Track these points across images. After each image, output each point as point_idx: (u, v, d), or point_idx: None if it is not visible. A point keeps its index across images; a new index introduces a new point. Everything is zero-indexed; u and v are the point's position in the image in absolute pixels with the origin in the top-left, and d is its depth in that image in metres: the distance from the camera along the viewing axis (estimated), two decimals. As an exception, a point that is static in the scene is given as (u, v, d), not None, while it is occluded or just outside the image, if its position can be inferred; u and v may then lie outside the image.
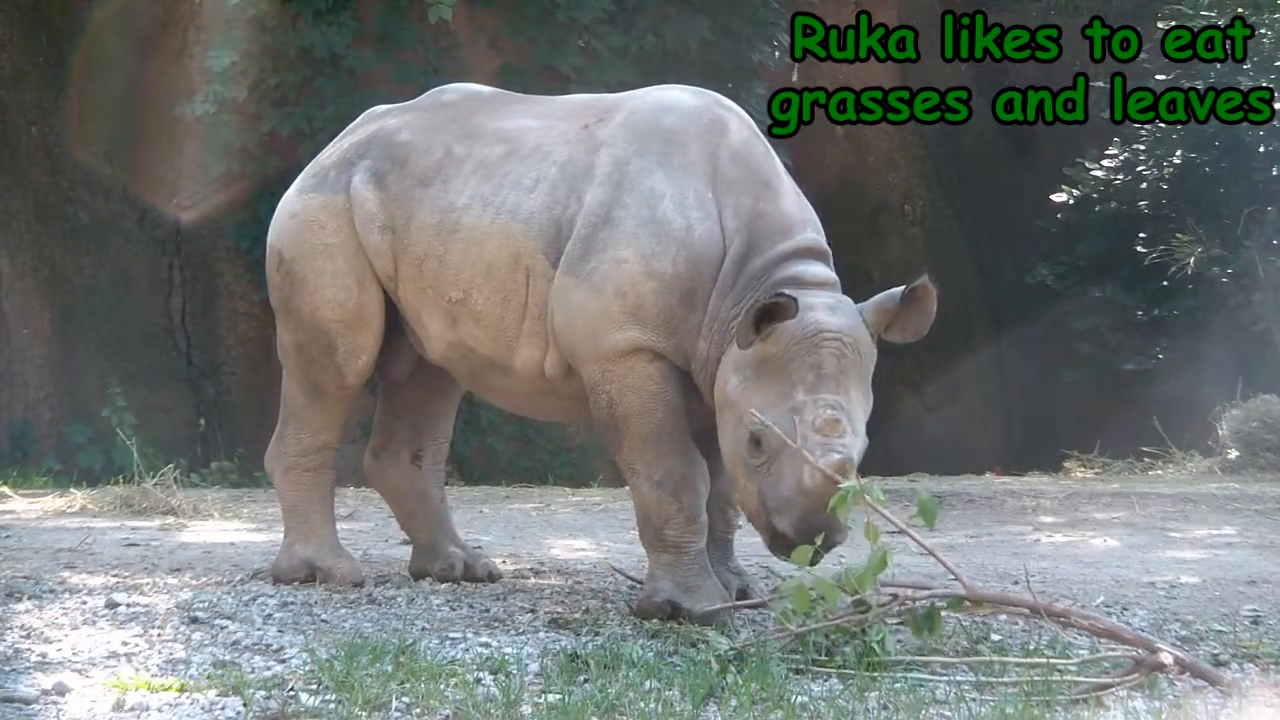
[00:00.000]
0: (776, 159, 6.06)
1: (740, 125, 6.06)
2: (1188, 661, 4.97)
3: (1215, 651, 5.43)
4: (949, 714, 4.51)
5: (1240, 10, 16.24)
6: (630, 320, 5.73)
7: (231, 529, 9.17)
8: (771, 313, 5.38)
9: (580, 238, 5.84)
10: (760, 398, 5.42)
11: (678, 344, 5.76)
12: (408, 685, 4.65)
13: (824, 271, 5.75)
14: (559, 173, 6.00)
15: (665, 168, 5.87)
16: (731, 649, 5.14)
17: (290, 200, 6.57)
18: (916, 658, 5.08)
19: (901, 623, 5.28)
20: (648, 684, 4.72)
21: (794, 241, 5.75)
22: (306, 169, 6.67)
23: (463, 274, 6.05)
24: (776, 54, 15.30)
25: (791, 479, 5.32)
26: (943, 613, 5.26)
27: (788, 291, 5.43)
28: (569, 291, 5.82)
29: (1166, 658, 4.87)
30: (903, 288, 5.55)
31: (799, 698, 4.59)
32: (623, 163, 5.92)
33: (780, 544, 5.40)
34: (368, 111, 6.78)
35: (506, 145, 6.17)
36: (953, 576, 5.39)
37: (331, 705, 4.46)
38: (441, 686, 4.64)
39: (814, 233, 5.87)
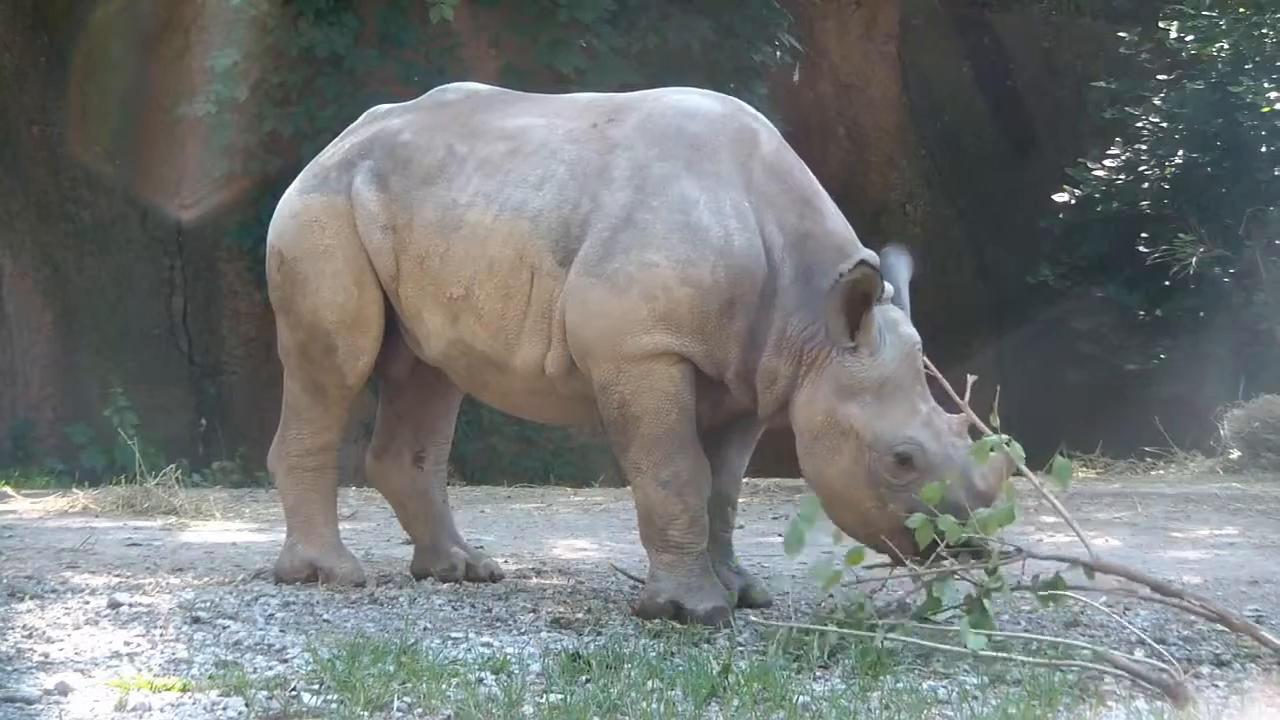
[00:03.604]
0: (809, 171, 6.10)
1: (769, 136, 6.10)
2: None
3: (1217, 651, 5.43)
4: (951, 714, 4.50)
5: (1241, 10, 16.24)
6: (659, 324, 5.73)
7: (233, 529, 9.18)
8: (865, 292, 5.53)
9: (600, 240, 5.83)
10: (890, 419, 5.55)
11: (709, 350, 5.78)
12: (409, 685, 4.65)
13: (888, 286, 5.85)
14: (568, 171, 5.99)
15: (695, 174, 5.87)
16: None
17: (291, 200, 6.55)
18: (918, 657, 5.08)
19: (1025, 587, 5.43)
20: (650, 684, 4.72)
21: (855, 261, 5.78)
22: (307, 169, 6.65)
23: (464, 270, 6.04)
24: (778, 54, 15.30)
25: (960, 485, 5.43)
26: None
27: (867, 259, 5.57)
28: (587, 291, 5.80)
29: (1191, 689, 4.78)
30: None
31: (801, 697, 4.59)
32: (643, 165, 5.91)
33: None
34: (369, 111, 6.77)
35: (510, 143, 6.16)
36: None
37: (333, 705, 4.46)
38: (443, 686, 4.64)
39: (865, 249, 5.91)
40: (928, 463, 5.48)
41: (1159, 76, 17.12)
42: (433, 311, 6.16)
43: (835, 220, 5.97)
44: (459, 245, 6.06)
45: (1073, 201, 17.38)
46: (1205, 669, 5.17)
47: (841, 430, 5.59)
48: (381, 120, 6.56)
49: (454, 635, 5.47)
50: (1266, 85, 15.63)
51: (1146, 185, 16.99)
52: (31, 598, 6.13)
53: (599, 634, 5.54)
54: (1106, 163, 17.16)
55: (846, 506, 5.65)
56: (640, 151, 5.95)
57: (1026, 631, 5.70)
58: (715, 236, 5.76)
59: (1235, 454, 13.41)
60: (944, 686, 4.80)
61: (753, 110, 6.26)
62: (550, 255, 5.91)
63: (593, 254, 5.83)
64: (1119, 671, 4.84)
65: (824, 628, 5.31)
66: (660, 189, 5.84)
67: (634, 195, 5.86)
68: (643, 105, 6.16)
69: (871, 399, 5.58)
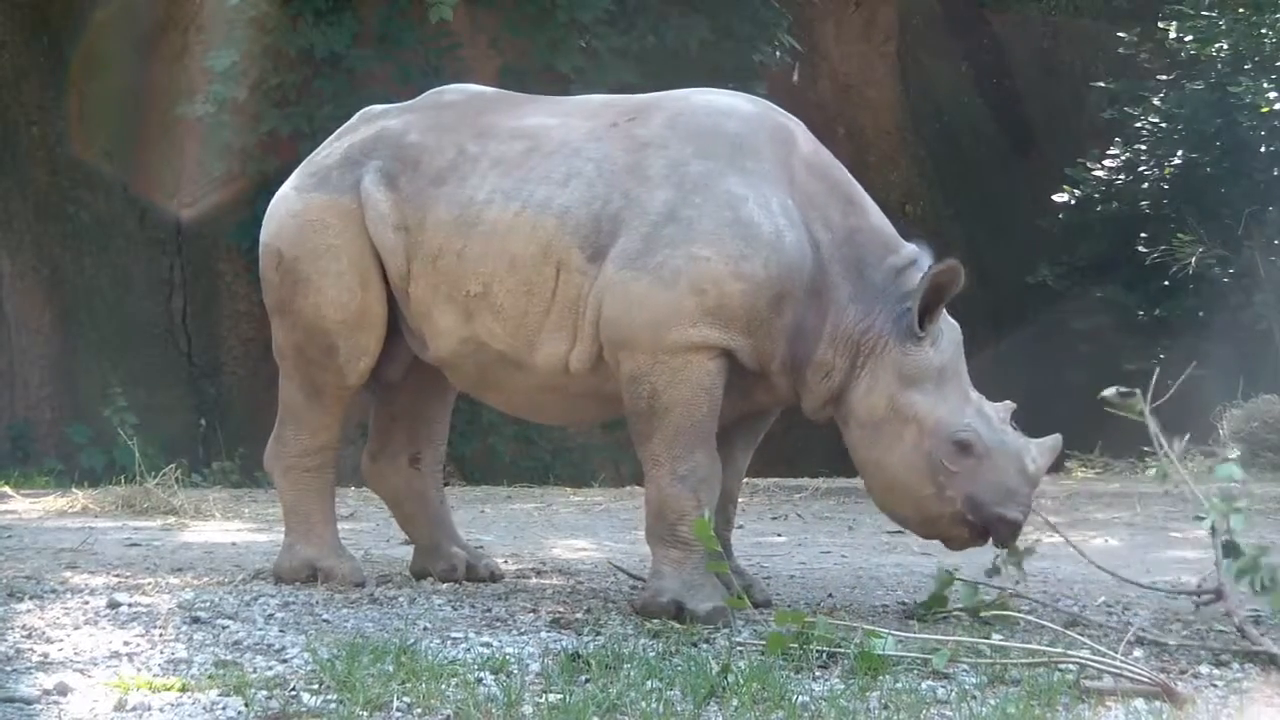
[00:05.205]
0: (844, 167, 6.17)
1: (805, 134, 6.17)
2: None
3: (1216, 651, 5.43)
4: (950, 714, 4.50)
5: (1241, 10, 16.26)
6: (707, 318, 5.75)
7: (233, 529, 9.18)
8: (948, 283, 5.75)
9: (640, 235, 5.83)
10: (949, 406, 5.81)
11: (755, 344, 5.83)
12: (409, 685, 4.65)
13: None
14: (595, 169, 5.99)
15: (738, 171, 5.90)
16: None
17: (289, 199, 6.49)
18: (918, 655, 5.08)
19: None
20: (649, 683, 4.71)
21: (903, 255, 5.96)
22: (301, 169, 6.59)
23: (483, 267, 6.02)
24: (777, 54, 15.31)
25: (1013, 469, 5.80)
26: None
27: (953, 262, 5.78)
28: (628, 284, 5.80)
29: (1185, 690, 4.75)
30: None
31: (800, 697, 4.59)
32: (680, 163, 5.92)
33: (1008, 530, 5.87)
34: (362, 112, 6.72)
35: (527, 142, 6.15)
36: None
37: (333, 705, 4.45)
38: (443, 686, 4.64)
39: (907, 242, 6.07)
40: (984, 447, 5.74)
41: (1158, 77, 17.15)
42: (444, 310, 6.13)
43: (877, 215, 6.07)
44: (477, 242, 6.04)
45: (1072, 202, 17.40)
46: (1204, 669, 5.17)
47: (904, 418, 5.77)
48: (379, 121, 6.52)
49: (453, 635, 5.47)
50: (1266, 85, 15.67)
51: (1146, 185, 17.02)
52: (31, 598, 6.13)
53: (598, 634, 5.54)
54: (1106, 163, 17.20)
55: (905, 494, 5.84)
56: (675, 150, 5.97)
57: (1025, 630, 5.70)
58: (767, 232, 5.80)
59: (1234, 454, 13.42)
60: (943, 686, 4.80)
61: (782, 110, 6.30)
62: (579, 251, 5.91)
63: (632, 249, 5.83)
64: (1112, 672, 4.83)
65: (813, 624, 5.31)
66: (703, 186, 5.87)
67: (675, 192, 5.87)
68: (668, 105, 6.17)
69: (933, 387, 5.79)
